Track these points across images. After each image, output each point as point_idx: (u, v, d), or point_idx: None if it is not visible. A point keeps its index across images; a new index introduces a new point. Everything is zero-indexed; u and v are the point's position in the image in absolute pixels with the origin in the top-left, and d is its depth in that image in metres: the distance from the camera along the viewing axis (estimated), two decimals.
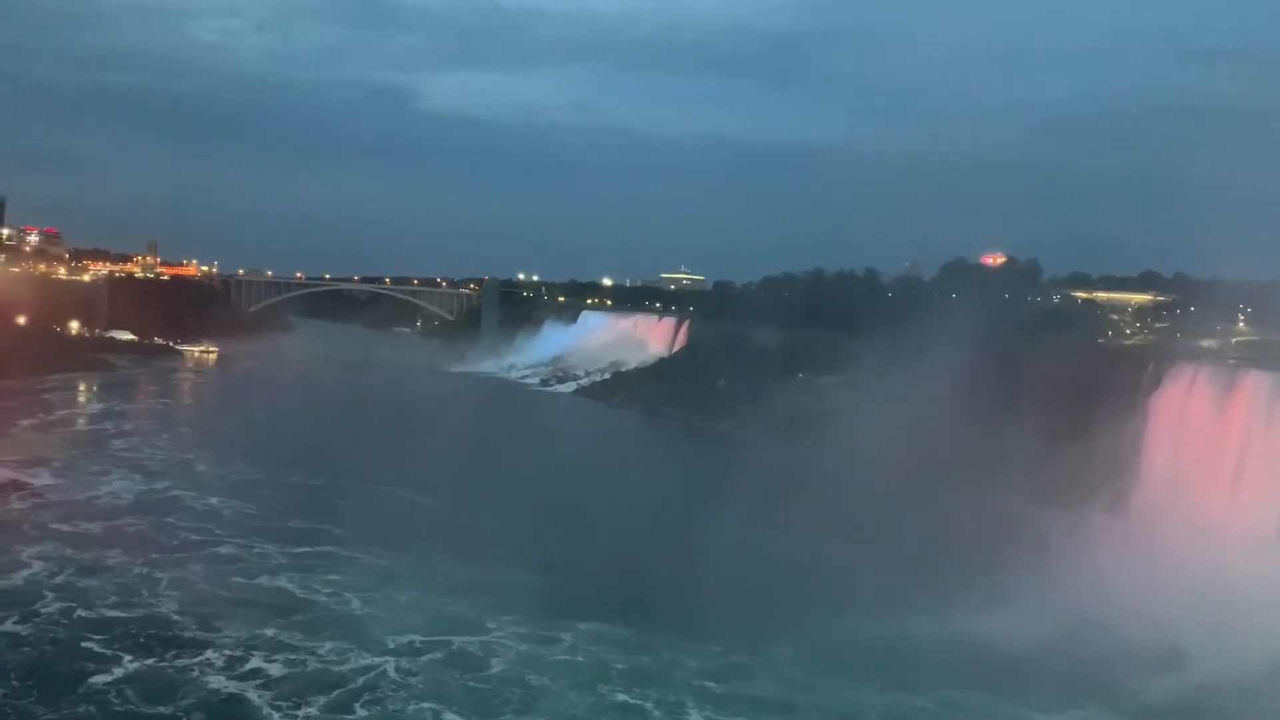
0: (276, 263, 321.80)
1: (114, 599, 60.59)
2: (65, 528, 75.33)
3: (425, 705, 50.03)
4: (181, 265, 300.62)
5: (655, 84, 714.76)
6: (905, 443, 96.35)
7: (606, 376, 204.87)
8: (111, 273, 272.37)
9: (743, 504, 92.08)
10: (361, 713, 48.88)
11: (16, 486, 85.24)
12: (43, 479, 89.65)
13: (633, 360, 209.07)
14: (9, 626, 55.12)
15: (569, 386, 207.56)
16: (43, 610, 57.98)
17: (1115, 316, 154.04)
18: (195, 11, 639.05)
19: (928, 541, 73.30)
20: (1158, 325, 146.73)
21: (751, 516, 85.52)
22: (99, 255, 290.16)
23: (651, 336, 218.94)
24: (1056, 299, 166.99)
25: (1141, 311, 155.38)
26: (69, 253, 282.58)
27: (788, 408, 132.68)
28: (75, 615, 57.54)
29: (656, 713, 50.89)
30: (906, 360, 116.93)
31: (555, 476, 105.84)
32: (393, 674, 53.17)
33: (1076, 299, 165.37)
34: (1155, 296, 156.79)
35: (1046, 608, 62.92)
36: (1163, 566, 67.89)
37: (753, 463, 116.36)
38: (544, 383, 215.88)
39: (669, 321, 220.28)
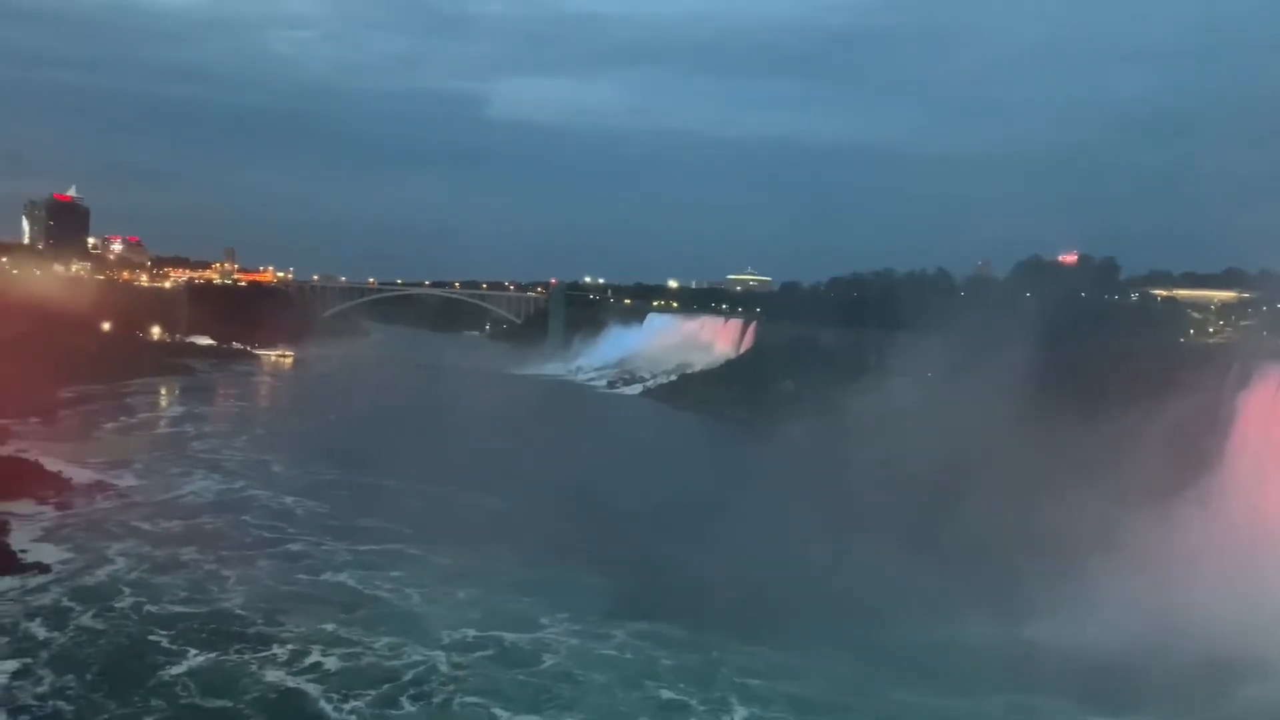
0: (350, 268, 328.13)
1: (185, 594, 62.53)
2: (147, 526, 77.92)
3: (471, 700, 50.79)
4: (258, 272, 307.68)
5: (720, 86, 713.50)
6: (978, 444, 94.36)
7: (673, 379, 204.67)
8: (191, 279, 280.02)
9: (808, 507, 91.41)
10: (408, 707, 49.72)
11: (102, 487, 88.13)
12: (127, 480, 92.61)
13: (699, 362, 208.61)
14: (86, 620, 57.19)
15: (635, 389, 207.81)
16: (117, 605, 60.03)
17: (1197, 314, 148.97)
18: (268, 24, 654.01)
19: (1000, 544, 71.66)
20: (1242, 323, 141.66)
21: (815, 520, 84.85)
22: (179, 263, 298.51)
23: (718, 338, 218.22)
24: (1135, 297, 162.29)
25: (1225, 309, 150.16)
26: (150, 260, 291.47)
27: (856, 410, 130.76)
28: (148, 610, 59.46)
29: (700, 709, 51.10)
30: (979, 361, 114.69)
31: (620, 478, 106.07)
32: (444, 668, 54.03)
33: (1156, 297, 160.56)
34: (1239, 293, 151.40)
35: (1125, 613, 61.17)
36: (1248, 571, 65.37)
37: (820, 466, 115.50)
38: (610, 385, 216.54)
39: (735, 323, 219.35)
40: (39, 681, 49.00)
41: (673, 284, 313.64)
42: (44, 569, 64.92)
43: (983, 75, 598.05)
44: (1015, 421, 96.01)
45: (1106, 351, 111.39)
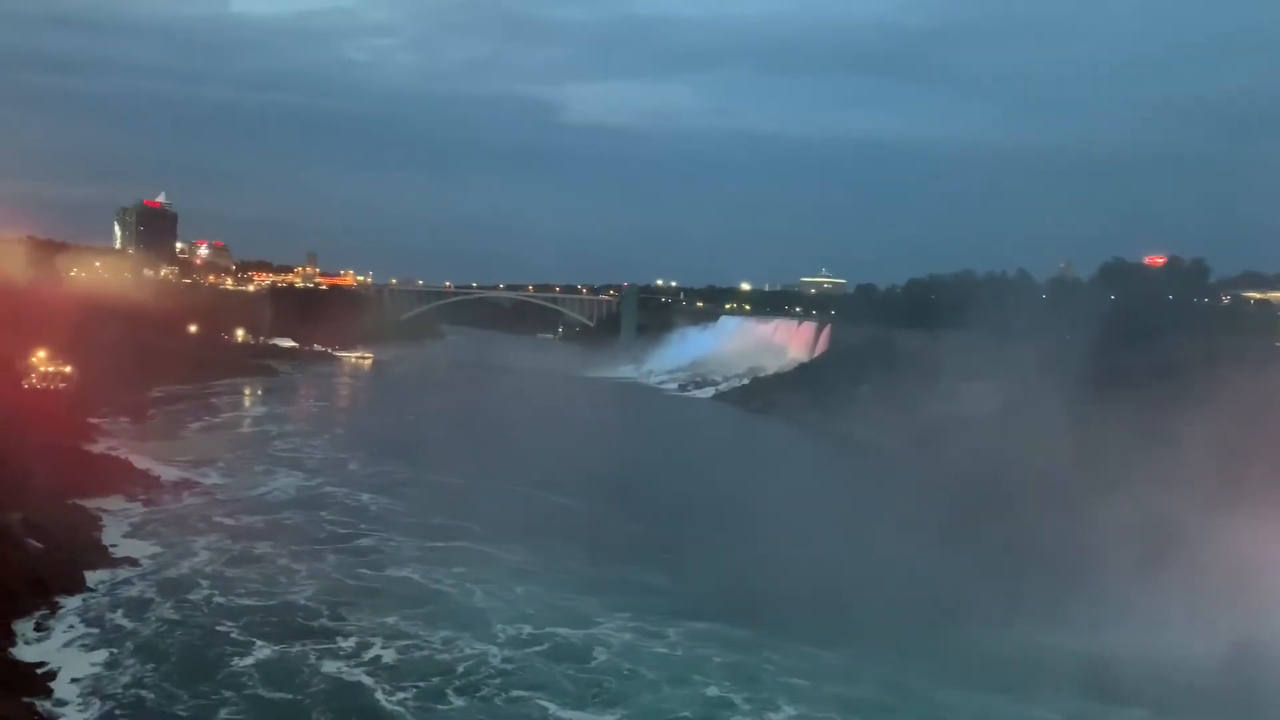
0: (426, 271, 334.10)
1: (258, 587, 64.13)
2: (229, 521, 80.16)
3: (517, 693, 51.30)
4: (338, 275, 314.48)
5: (795, 86, 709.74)
6: (1058, 450, 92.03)
7: (745, 382, 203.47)
8: (274, 283, 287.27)
9: (878, 512, 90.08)
10: (455, 700, 50.33)
11: (188, 484, 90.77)
12: (211, 478, 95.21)
13: (772, 365, 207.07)
14: (168, 612, 58.97)
15: (707, 392, 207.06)
16: (196, 598, 61.72)
17: None
18: (349, 32, 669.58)
19: (1076, 552, 69.93)
20: None
21: (885, 524, 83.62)
22: (262, 267, 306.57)
23: (791, 341, 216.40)
24: (1226, 300, 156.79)
25: None
26: (235, 264, 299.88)
27: (933, 414, 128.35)
28: (223, 602, 61.08)
29: (745, 707, 50.96)
30: (1061, 365, 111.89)
31: (690, 480, 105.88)
32: (496, 662, 54.67)
33: (1249, 300, 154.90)
34: None
35: (1201, 625, 58.87)
36: None
37: (895, 470, 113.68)
38: (682, 388, 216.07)
39: (809, 326, 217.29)
40: (125, 671, 50.60)
41: (745, 286, 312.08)
42: (133, 563, 66.97)
43: (1066, 72, 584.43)
44: (1098, 427, 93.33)
45: (1195, 355, 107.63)
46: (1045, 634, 59.81)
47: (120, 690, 48.55)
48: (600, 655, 56.25)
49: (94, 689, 48.39)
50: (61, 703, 46.48)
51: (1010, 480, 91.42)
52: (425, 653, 55.34)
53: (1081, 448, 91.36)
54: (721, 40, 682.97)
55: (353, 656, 54.15)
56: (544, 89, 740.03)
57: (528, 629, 59.42)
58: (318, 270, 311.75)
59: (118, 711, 46.50)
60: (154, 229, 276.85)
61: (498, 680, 52.48)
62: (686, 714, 50.06)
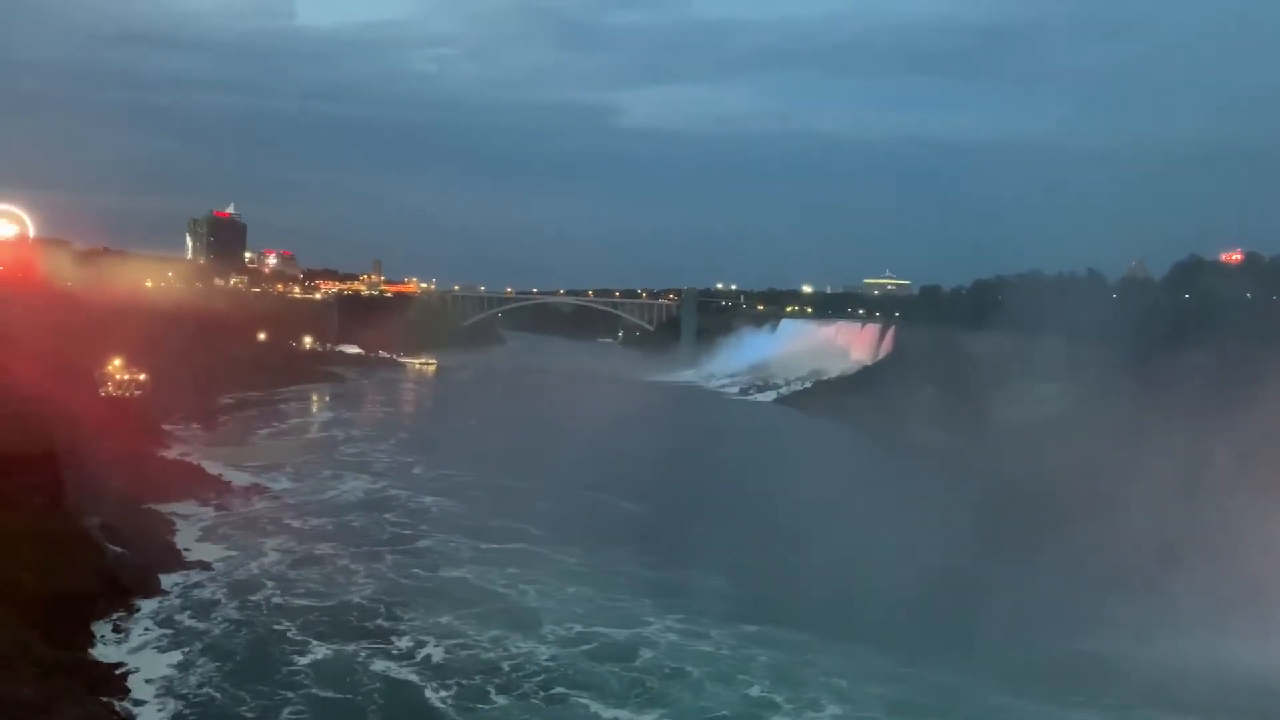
0: (488, 278, 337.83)
1: (319, 588, 65.31)
2: (296, 523, 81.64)
3: (561, 690, 51.59)
4: (403, 283, 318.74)
5: (857, 88, 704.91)
6: (1132, 454, 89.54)
7: (807, 385, 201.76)
8: (340, 291, 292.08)
9: (944, 516, 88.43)
10: (498, 698, 50.70)
11: (258, 489, 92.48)
12: (281, 483, 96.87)
13: (834, 368, 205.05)
14: (236, 613, 60.15)
15: (769, 395, 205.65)
16: (262, 599, 62.81)
17: None
18: (411, 43, 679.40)
19: (1149, 558, 68.06)
20: None
21: (951, 529, 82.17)
22: (328, 275, 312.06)
23: (854, 344, 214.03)
24: None
25: None
26: (302, 273, 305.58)
27: (1001, 418, 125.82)
28: (286, 603, 62.25)
29: (787, 706, 50.83)
30: (1134, 366, 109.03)
31: (752, 484, 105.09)
32: (542, 661, 55.05)
33: None
34: None
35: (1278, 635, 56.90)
36: None
37: (963, 475, 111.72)
38: (743, 391, 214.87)
39: (872, 328, 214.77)
40: (196, 671, 51.63)
41: (806, 289, 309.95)
42: (205, 566, 68.27)
43: (1135, 67, 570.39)
44: (1173, 430, 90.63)
45: (1273, 356, 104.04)
46: (1107, 641, 58.48)
47: (191, 690, 49.48)
48: (645, 654, 56.59)
49: (168, 689, 49.33)
50: (139, 702, 47.41)
51: (1079, 484, 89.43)
52: (474, 651, 56.01)
53: (1153, 451, 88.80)
54: (780, 42, 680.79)
55: (405, 656, 54.94)
56: (602, 94, 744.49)
57: (577, 628, 59.87)
58: (382, 278, 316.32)
59: (189, 712, 47.37)
60: (224, 239, 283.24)
61: (541, 678, 52.99)
62: (726, 713, 50.17)
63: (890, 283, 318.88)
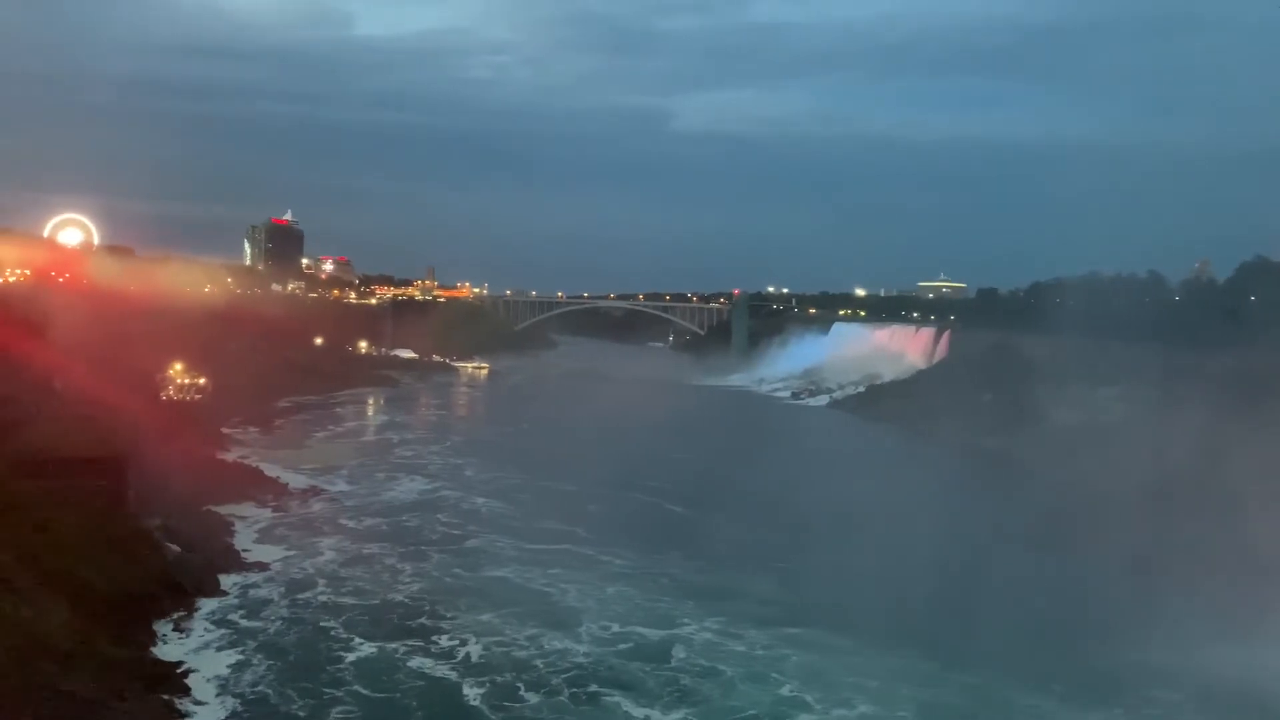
0: (539, 282, 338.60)
1: (367, 587, 66.21)
2: (352, 524, 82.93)
3: (590, 689, 51.87)
4: (456, 288, 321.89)
5: (911, 88, 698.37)
6: (1197, 459, 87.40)
7: (861, 390, 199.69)
8: (394, 296, 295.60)
9: (1004, 523, 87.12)
10: (528, 695, 51.07)
11: (315, 491, 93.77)
12: (336, 485, 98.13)
13: (889, 373, 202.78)
14: (291, 613, 61.10)
15: (821, 400, 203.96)
16: (315, 600, 63.65)
17: None
18: (467, 50, 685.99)
19: (1216, 566, 66.42)
20: None
21: (1007, 535, 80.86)
22: (384, 280, 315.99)
23: (909, 348, 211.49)
24: None
25: None
26: (358, 279, 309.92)
27: (1061, 422, 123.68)
28: (339, 603, 63.05)
29: (817, 706, 50.74)
30: (1198, 370, 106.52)
31: (804, 489, 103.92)
32: (576, 659, 55.43)
33: None
34: None
35: None
36: None
37: (1020, 480, 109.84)
38: (795, 396, 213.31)
39: (927, 332, 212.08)
40: (250, 671, 52.43)
41: (860, 292, 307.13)
42: (263, 567, 69.23)
43: (1197, 65, 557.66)
44: (1238, 434, 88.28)
45: None
46: (1160, 651, 57.04)
47: (248, 689, 50.19)
48: (680, 654, 56.91)
49: (225, 688, 50.08)
50: (199, 702, 48.12)
51: (1142, 490, 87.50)
52: (510, 649, 56.50)
53: (1220, 456, 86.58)
54: (832, 44, 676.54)
55: (445, 655, 55.50)
56: (655, 99, 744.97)
57: (614, 627, 60.27)
58: (436, 283, 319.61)
59: (245, 711, 48.06)
60: (281, 246, 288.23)
61: (572, 675, 53.39)
62: (755, 712, 50.22)
63: (945, 285, 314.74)
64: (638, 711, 49.74)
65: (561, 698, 50.96)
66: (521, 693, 51.29)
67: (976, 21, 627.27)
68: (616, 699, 50.88)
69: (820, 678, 53.70)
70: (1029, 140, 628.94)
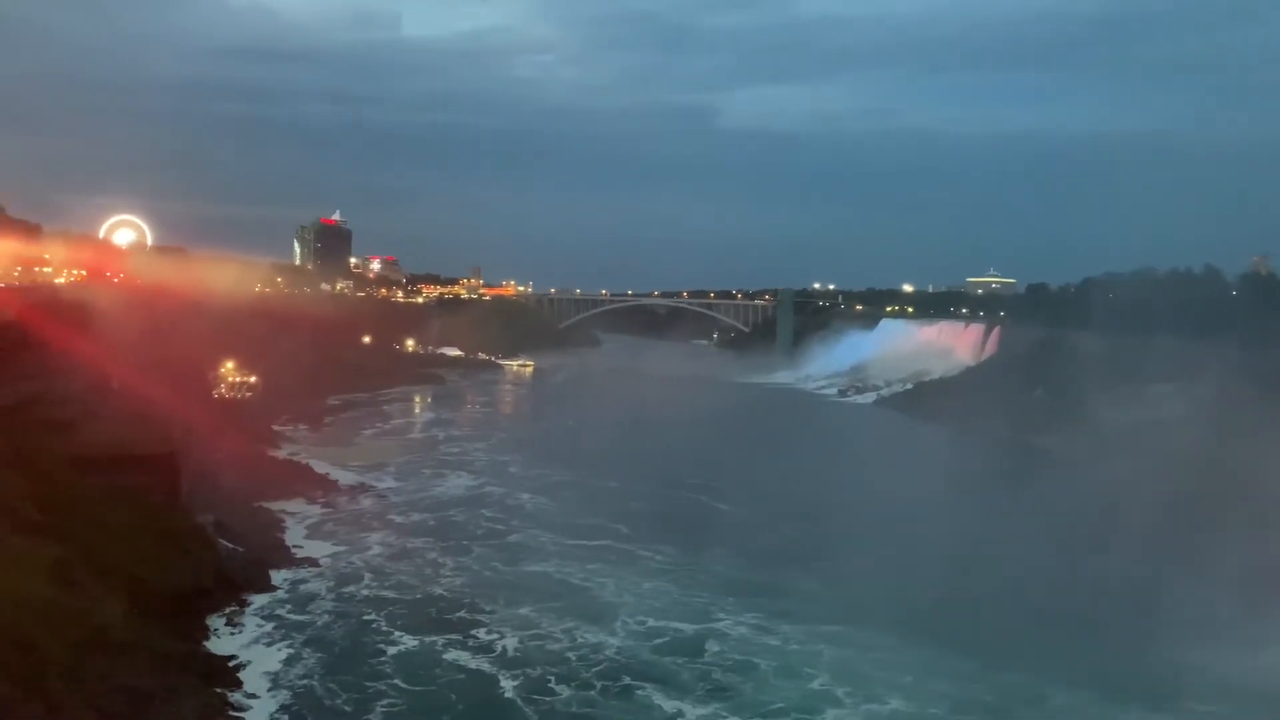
0: (583, 280, 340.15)
1: (412, 582, 67.33)
2: (399, 519, 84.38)
3: (624, 681, 52.42)
4: (501, 286, 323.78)
5: (960, 83, 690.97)
6: (1252, 458, 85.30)
7: (908, 387, 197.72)
8: (441, 295, 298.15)
9: (1054, 521, 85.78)
10: (559, 688, 51.62)
11: (363, 488, 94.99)
12: (385, 481, 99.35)
13: (937, 370, 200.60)
14: (335, 606, 62.33)
15: (868, 397, 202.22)
16: (363, 594, 64.71)
17: None
18: (512, 50, 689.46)
19: (1270, 570, 64.42)
20: None
21: (1056, 535, 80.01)
22: (430, 279, 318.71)
23: (957, 344, 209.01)
24: None
25: None
26: (405, 278, 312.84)
27: (1114, 420, 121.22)
28: (380, 596, 64.24)
29: (847, 701, 50.99)
30: (1256, 367, 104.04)
31: (851, 487, 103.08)
32: (609, 652, 56.09)
33: None
34: None
35: None
36: None
37: (1072, 480, 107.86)
38: (841, 393, 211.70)
39: (976, 328, 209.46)
40: (300, 664, 53.41)
41: (907, 288, 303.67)
42: (313, 563, 70.22)
43: (1256, 56, 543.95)
44: None
45: None
46: (1216, 653, 55.74)
47: (297, 683, 51.02)
48: (714, 648, 57.38)
49: (277, 682, 50.91)
50: (251, 695, 48.91)
51: (1197, 490, 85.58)
52: (545, 643, 57.23)
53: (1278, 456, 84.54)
54: (881, 39, 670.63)
55: (483, 648, 56.41)
56: (702, 96, 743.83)
57: (650, 622, 60.88)
58: (481, 281, 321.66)
59: (295, 704, 48.82)
60: (330, 245, 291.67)
61: (605, 667, 54.11)
62: (783, 705, 50.46)
63: (995, 281, 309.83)
64: (669, 704, 50.14)
65: (594, 691, 51.44)
66: (555, 685, 51.86)
67: (1026, 16, 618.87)
68: (648, 692, 51.36)
69: (853, 673, 53.77)
70: (1079, 133, 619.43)
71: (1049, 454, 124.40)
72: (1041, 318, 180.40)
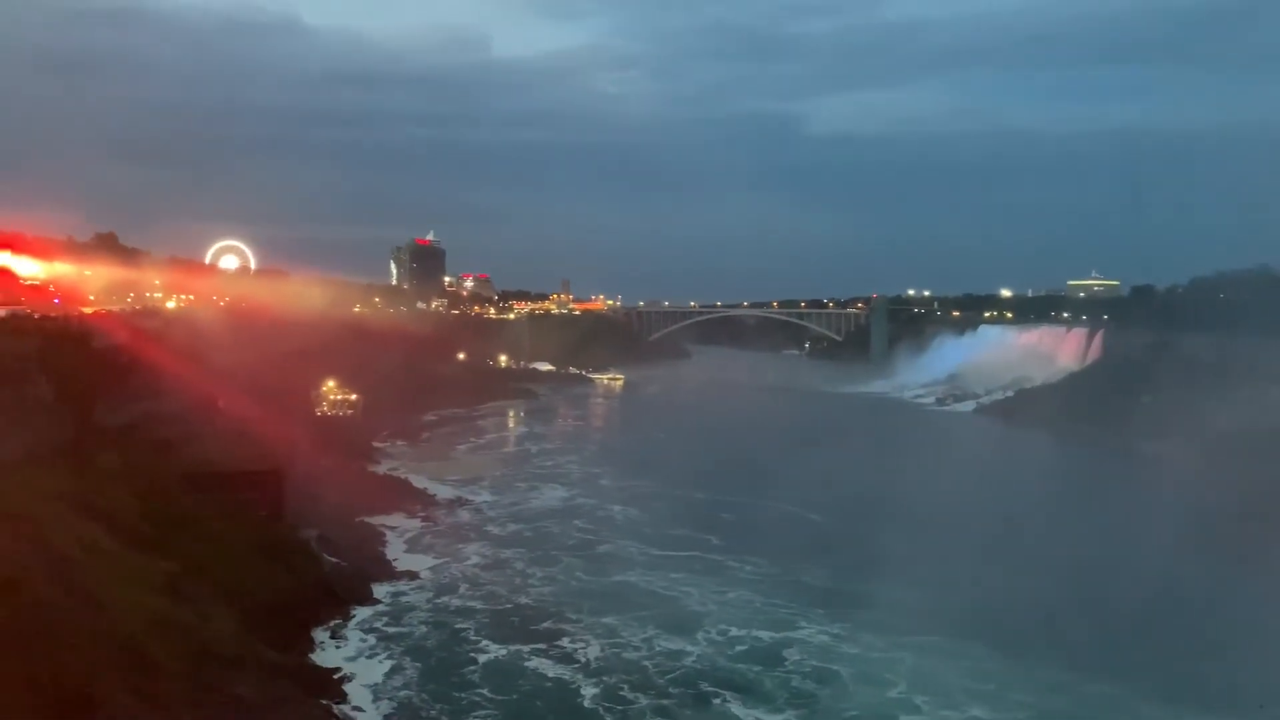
0: (672, 293, 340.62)
1: (499, 591, 68.39)
2: (496, 530, 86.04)
3: (702, 688, 52.58)
4: (590, 300, 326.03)
5: (1054, 80, 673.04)
6: None
7: (1009, 394, 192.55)
8: (532, 311, 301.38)
9: (1163, 530, 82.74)
10: (637, 695, 51.76)
11: (460, 501, 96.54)
12: (481, 495, 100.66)
13: (1038, 376, 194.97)
14: (433, 617, 63.60)
15: (967, 405, 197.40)
16: (461, 607, 65.80)
17: None
18: (597, 66, 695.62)
19: None
20: None
21: (1170, 543, 77.42)
22: (521, 296, 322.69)
23: (1059, 349, 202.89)
24: None
25: None
26: (497, 294, 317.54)
27: (1229, 425, 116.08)
28: (475, 608, 65.31)
29: (925, 708, 50.22)
30: None
31: (952, 498, 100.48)
32: (688, 661, 56.28)
33: None
34: None
35: None
36: None
37: (1183, 486, 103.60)
38: (939, 402, 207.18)
39: (1079, 332, 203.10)
40: (400, 675, 54.51)
41: (1005, 293, 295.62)
42: (413, 576, 71.39)
43: None
44: None
45: None
46: None
47: (398, 695, 51.85)
48: (793, 656, 57.23)
49: (379, 694, 51.81)
50: (357, 708, 49.84)
51: None
52: (624, 651, 57.55)
53: None
54: (970, 39, 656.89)
55: (566, 657, 56.92)
56: (789, 104, 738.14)
57: (732, 630, 60.94)
58: (571, 296, 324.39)
59: (396, 715, 49.69)
60: (425, 265, 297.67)
61: (682, 673, 54.51)
62: (856, 712, 50.01)
63: (1097, 284, 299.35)
64: (745, 712, 50.12)
65: (670, 700, 51.45)
66: (633, 693, 52.06)
67: (1125, 9, 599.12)
68: (725, 700, 51.36)
69: (934, 681, 52.88)
70: (1182, 129, 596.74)
71: (1159, 461, 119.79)
72: (1148, 320, 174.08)
